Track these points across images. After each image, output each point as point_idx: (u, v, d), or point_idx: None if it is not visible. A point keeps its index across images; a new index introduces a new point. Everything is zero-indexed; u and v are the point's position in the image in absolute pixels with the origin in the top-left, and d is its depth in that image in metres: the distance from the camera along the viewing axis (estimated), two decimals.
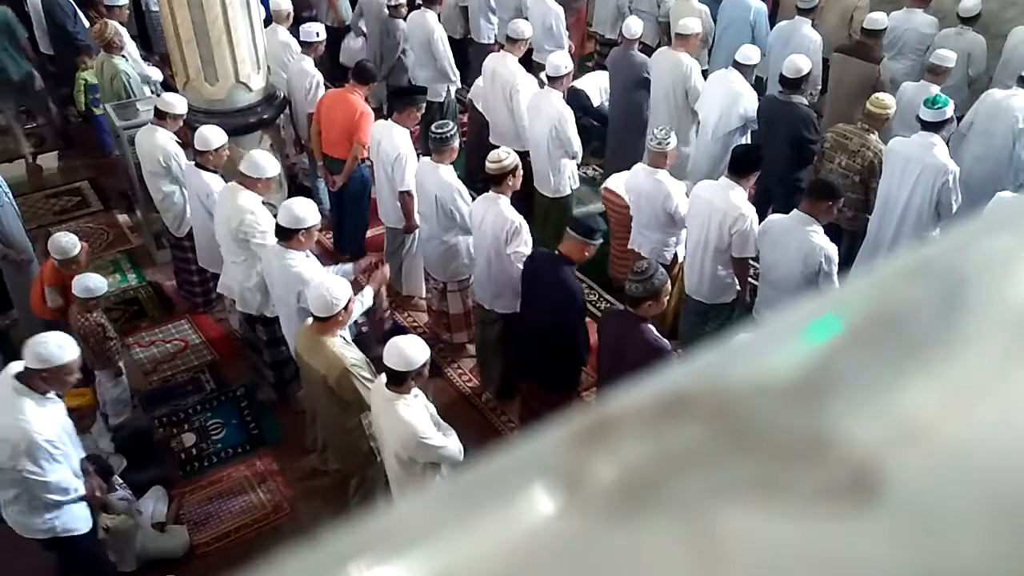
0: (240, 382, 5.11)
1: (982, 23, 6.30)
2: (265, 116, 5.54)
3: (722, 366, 0.42)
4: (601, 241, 4.17)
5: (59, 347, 3.41)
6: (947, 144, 4.96)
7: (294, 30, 6.32)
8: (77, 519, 3.65)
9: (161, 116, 5.17)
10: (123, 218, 6.67)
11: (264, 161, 4.54)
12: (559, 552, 0.35)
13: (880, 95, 5.20)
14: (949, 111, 4.83)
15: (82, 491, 3.62)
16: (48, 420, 3.42)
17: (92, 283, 4.36)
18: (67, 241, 4.51)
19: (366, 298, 4.27)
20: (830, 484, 0.35)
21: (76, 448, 3.65)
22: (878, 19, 5.96)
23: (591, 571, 0.34)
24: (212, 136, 4.83)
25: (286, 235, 4.18)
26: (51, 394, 3.48)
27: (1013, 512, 0.34)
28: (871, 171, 5.11)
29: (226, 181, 4.74)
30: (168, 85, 5.90)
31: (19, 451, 3.35)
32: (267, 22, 6.06)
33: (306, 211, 4.18)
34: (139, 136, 5.28)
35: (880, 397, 0.38)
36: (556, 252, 4.18)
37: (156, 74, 6.74)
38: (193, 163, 4.94)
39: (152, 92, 6.20)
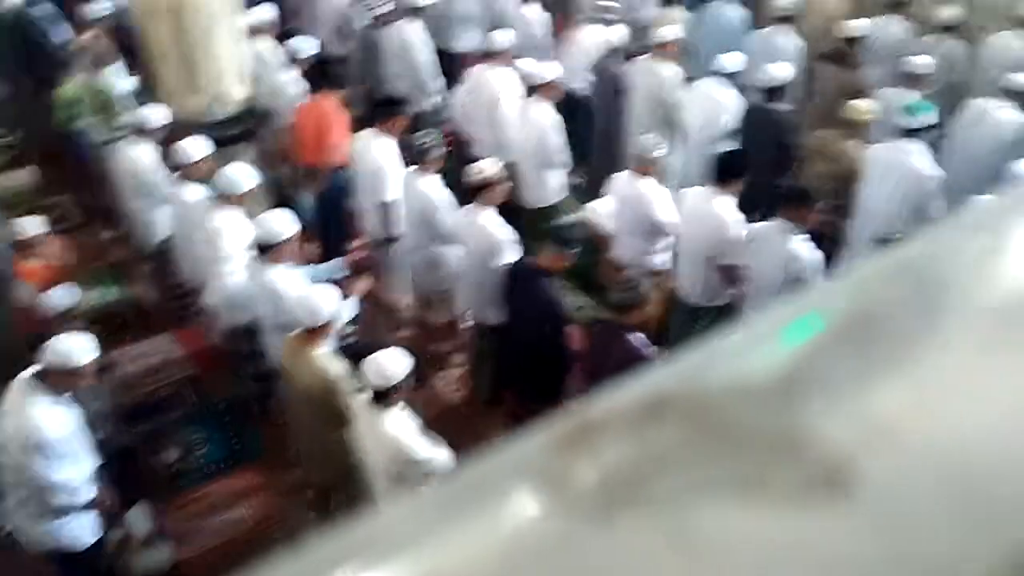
0: (223, 396, 5.06)
1: (961, 31, 6.37)
2: (245, 129, 5.52)
3: (702, 368, 0.43)
4: (578, 250, 4.14)
5: (75, 349, 3.44)
6: (930, 151, 5.00)
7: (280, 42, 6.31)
8: (83, 529, 3.64)
9: (140, 130, 5.13)
10: (104, 232, 6.60)
11: (239, 175, 4.51)
12: (543, 553, 0.35)
13: (859, 102, 5.25)
14: (929, 118, 4.88)
15: (91, 497, 3.61)
16: (59, 420, 3.45)
17: (59, 299, 4.32)
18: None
19: (350, 308, 4.25)
20: (805, 481, 0.36)
21: (88, 455, 3.63)
22: (857, 27, 6.03)
23: (574, 570, 0.34)
24: (194, 148, 4.81)
25: (265, 249, 4.15)
26: (67, 395, 3.49)
27: (976, 504, 0.35)
28: (850, 177, 5.14)
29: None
30: (149, 98, 5.86)
31: (27, 446, 3.38)
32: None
33: (283, 223, 4.16)
34: (118, 150, 5.25)
35: (854, 397, 0.40)
36: (534, 264, 4.17)
37: (128, 86, 6.68)
38: (176, 176, 4.91)
39: (132, 105, 6.16)
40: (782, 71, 5.40)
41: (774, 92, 5.39)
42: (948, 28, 6.33)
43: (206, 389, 5.14)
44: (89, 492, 3.61)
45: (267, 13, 6.40)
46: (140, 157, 5.13)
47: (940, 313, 0.44)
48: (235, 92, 5.42)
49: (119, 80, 6.23)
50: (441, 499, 0.40)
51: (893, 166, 4.84)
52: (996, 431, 0.38)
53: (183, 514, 4.44)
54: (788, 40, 6.37)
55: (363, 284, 4.46)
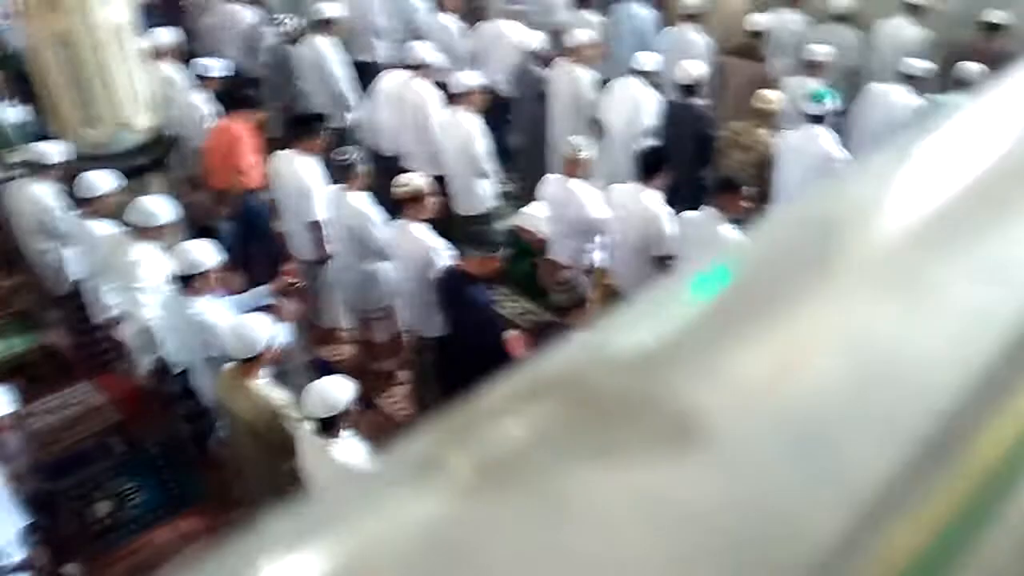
0: (154, 440, 4.81)
1: (854, 19, 6.66)
2: (154, 157, 5.29)
3: (582, 348, 0.48)
4: (499, 253, 4.10)
5: None
6: (834, 134, 5.19)
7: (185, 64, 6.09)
8: None
9: (38, 166, 4.85)
10: (7, 279, 6.20)
11: (154, 207, 4.30)
12: (426, 536, 0.38)
13: (766, 92, 5.42)
14: (832, 104, 5.08)
15: (21, 559, 3.41)
16: None
17: None
18: None
19: (282, 335, 4.10)
20: (660, 439, 0.40)
21: (14, 514, 3.46)
22: (759, 20, 6.22)
23: (455, 548, 0.37)
24: (98, 182, 4.59)
25: (185, 282, 3.96)
26: None
27: (816, 445, 0.40)
28: (764, 165, 5.31)
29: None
30: (46, 133, 5.55)
31: None
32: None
33: (203, 253, 3.98)
34: (11, 191, 4.95)
35: (716, 361, 0.44)
36: (463, 271, 4.13)
37: (20, 119, 6.32)
38: (78, 213, 4.65)
39: (27, 140, 5.83)
40: (697, 68, 5.52)
41: (691, 88, 5.50)
42: (842, 18, 6.61)
43: (135, 435, 4.88)
44: (18, 553, 3.40)
45: (168, 35, 6.18)
46: (40, 195, 4.84)
47: (826, 262, 0.49)
48: (139, 120, 5.19)
49: (11, 114, 5.90)
50: (331, 501, 0.43)
51: (803, 151, 5.03)
52: (850, 385, 0.43)
53: (120, 569, 4.17)
54: (698, 37, 6.52)
55: (293, 307, 4.30)
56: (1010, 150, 0.59)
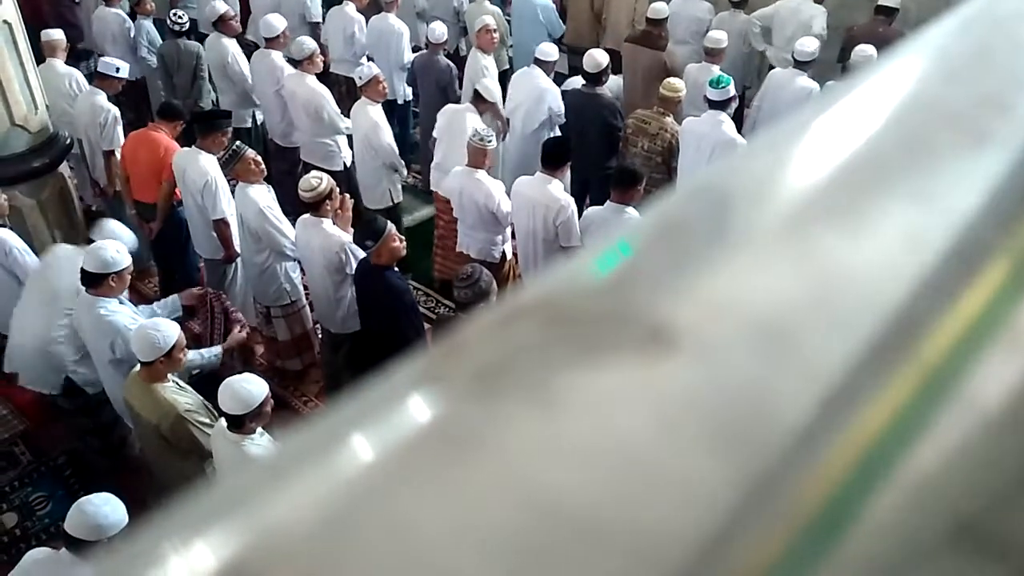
0: (60, 449, 4.69)
1: (751, 4, 6.84)
2: (48, 160, 5.13)
3: (545, 284, 0.52)
4: (387, 231, 4.10)
5: None
6: (733, 119, 5.34)
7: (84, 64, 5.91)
8: None
9: None
10: None
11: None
12: (439, 430, 0.42)
13: (671, 80, 5.53)
14: (732, 90, 5.22)
15: None
16: None
17: None
18: None
19: (213, 356, 4.06)
20: (637, 342, 0.45)
21: None
22: (660, 8, 6.33)
23: (467, 438, 0.41)
24: None
25: (94, 281, 3.88)
26: None
27: (780, 343, 0.46)
28: (671, 151, 5.42)
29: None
30: None
31: None
32: None
33: (116, 253, 3.90)
34: None
35: (674, 282, 0.50)
36: (370, 262, 4.14)
37: None
38: None
39: None
40: (602, 57, 5.60)
41: (597, 77, 5.58)
42: (738, 4, 6.78)
43: (41, 444, 4.75)
44: None
45: (56, 34, 5.99)
46: None
47: (729, 221, 0.54)
48: (31, 122, 5.02)
49: None
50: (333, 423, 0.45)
51: (706, 136, 5.14)
52: (804, 296, 0.49)
53: None
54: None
55: (235, 338, 4.27)
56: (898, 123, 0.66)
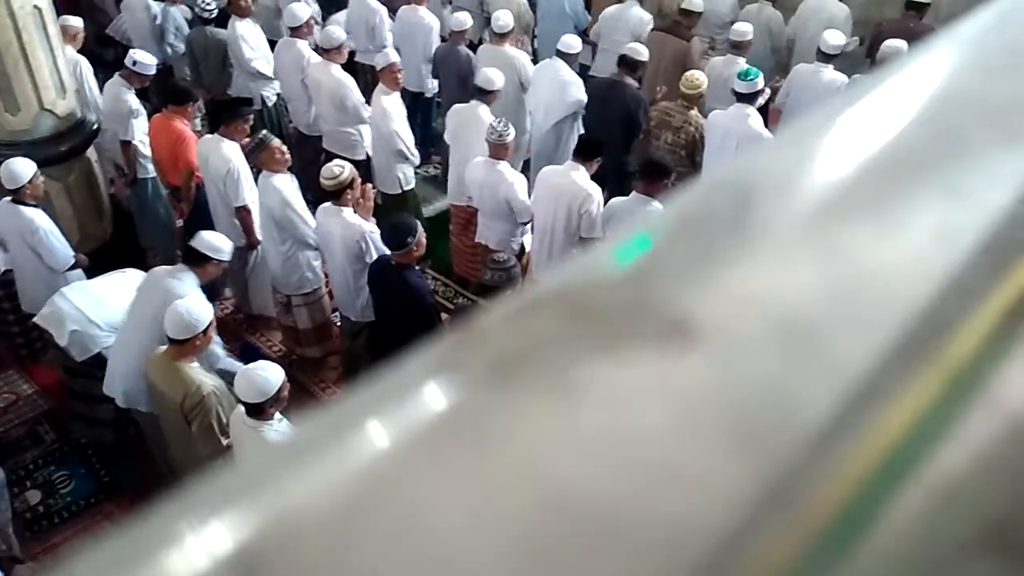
0: (82, 429, 4.74)
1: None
2: (74, 144, 5.18)
3: (566, 274, 0.52)
4: (413, 238, 4.08)
5: None
6: (761, 114, 5.28)
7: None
8: None
9: None
10: None
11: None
12: (454, 419, 0.42)
13: (690, 74, 5.45)
14: (760, 83, 5.15)
15: None
16: None
17: None
18: None
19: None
20: (657, 333, 0.44)
21: None
22: (696, 2, 6.27)
23: (483, 428, 0.41)
24: (20, 169, 4.48)
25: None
26: None
27: (803, 339, 0.45)
28: (695, 145, 5.36)
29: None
30: None
31: None
32: None
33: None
34: None
35: (696, 275, 0.49)
36: (392, 260, 4.12)
37: None
38: (8, 200, 4.56)
39: None
40: (645, 51, 5.55)
41: (633, 65, 5.52)
42: None
43: (65, 424, 4.81)
44: None
45: (74, 21, 6.05)
46: None
47: (752, 214, 0.53)
48: (60, 106, 5.07)
49: None
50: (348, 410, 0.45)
51: (732, 130, 5.07)
52: (830, 293, 0.48)
53: (53, 558, 4.14)
54: (640, 13, 6.59)
55: None
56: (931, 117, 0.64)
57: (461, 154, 5.24)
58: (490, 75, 5.37)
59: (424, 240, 4.16)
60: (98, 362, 4.21)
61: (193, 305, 3.65)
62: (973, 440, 0.43)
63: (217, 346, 4.00)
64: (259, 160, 4.64)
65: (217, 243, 4.14)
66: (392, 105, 5.39)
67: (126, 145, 5.53)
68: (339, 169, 4.40)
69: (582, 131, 5.70)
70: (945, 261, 0.50)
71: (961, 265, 0.50)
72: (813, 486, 0.39)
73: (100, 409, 4.40)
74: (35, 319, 4.38)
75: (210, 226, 5.08)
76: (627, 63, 5.53)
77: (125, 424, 4.42)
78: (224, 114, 4.96)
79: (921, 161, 0.58)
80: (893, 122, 0.63)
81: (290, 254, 4.70)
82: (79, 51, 5.99)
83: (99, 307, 4.24)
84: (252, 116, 5.10)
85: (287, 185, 4.63)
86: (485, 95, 5.28)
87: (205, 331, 3.63)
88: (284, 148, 4.70)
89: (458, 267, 5.57)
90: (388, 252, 4.19)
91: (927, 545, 0.40)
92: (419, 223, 4.27)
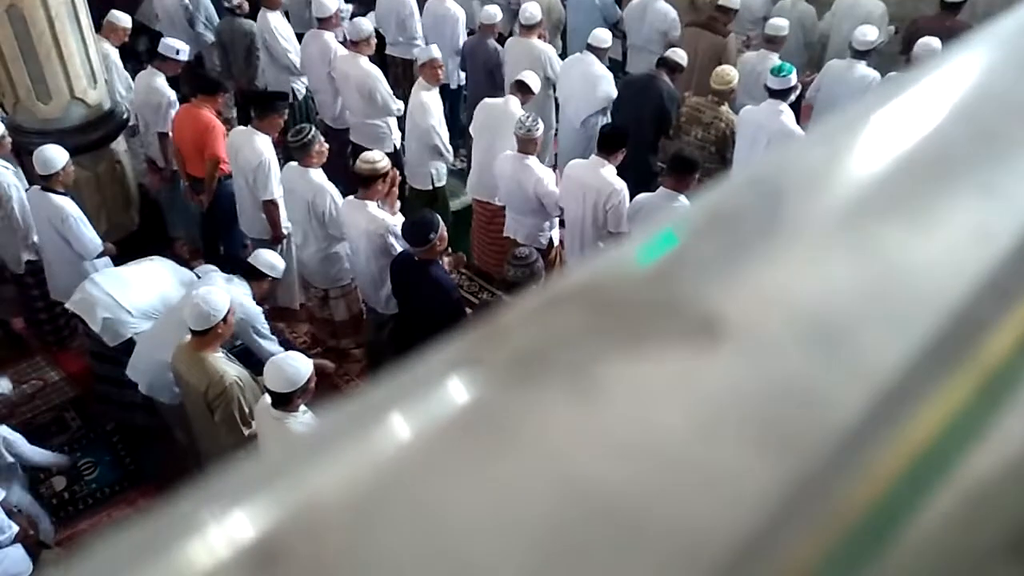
0: (108, 417, 4.81)
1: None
2: (104, 134, 5.24)
3: (590, 269, 0.51)
4: (435, 234, 4.06)
5: None
6: (794, 110, 5.22)
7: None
8: (18, 564, 3.47)
9: None
10: None
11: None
12: (474, 414, 0.42)
13: (721, 70, 5.40)
14: (794, 79, 5.09)
15: (13, 533, 3.44)
16: None
17: None
18: None
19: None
20: (683, 331, 0.44)
21: None
22: None
23: (501, 424, 0.41)
24: (54, 156, 4.54)
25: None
26: None
27: (832, 338, 0.45)
28: (725, 141, 5.32)
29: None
30: None
31: None
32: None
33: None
34: None
35: (719, 272, 0.48)
36: (415, 257, 4.12)
37: None
38: (38, 188, 4.62)
39: None
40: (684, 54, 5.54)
41: (673, 69, 5.50)
42: None
43: (90, 411, 4.88)
44: (7, 526, 3.47)
45: (124, 19, 6.12)
46: None
47: (783, 213, 0.52)
48: (91, 95, 5.13)
49: None
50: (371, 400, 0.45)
51: (764, 126, 5.02)
52: (861, 290, 0.47)
53: (77, 545, 4.20)
54: (665, 7, 6.55)
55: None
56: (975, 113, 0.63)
57: (485, 148, 5.22)
58: (533, 76, 5.34)
59: (446, 234, 4.16)
60: (127, 348, 4.26)
61: (210, 295, 3.68)
62: (1006, 444, 0.42)
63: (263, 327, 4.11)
64: (304, 156, 4.58)
65: (274, 261, 4.26)
66: (431, 100, 5.39)
67: (163, 137, 5.55)
68: (379, 157, 4.42)
69: None
70: (979, 261, 0.49)
71: (996, 265, 0.49)
72: (841, 488, 0.38)
73: (129, 393, 4.44)
74: (67, 305, 4.45)
75: (232, 218, 5.13)
76: (668, 64, 5.52)
77: (155, 408, 4.47)
78: (258, 107, 4.97)
79: (956, 160, 0.57)
80: (928, 120, 0.62)
81: (332, 250, 4.72)
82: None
83: (128, 293, 4.28)
84: (287, 111, 5.11)
85: (324, 178, 4.63)
86: (524, 93, 5.25)
87: (225, 319, 3.65)
88: (326, 145, 4.70)
89: (480, 261, 5.57)
90: (404, 251, 4.19)
91: (956, 551, 0.39)
92: (439, 217, 4.24)
